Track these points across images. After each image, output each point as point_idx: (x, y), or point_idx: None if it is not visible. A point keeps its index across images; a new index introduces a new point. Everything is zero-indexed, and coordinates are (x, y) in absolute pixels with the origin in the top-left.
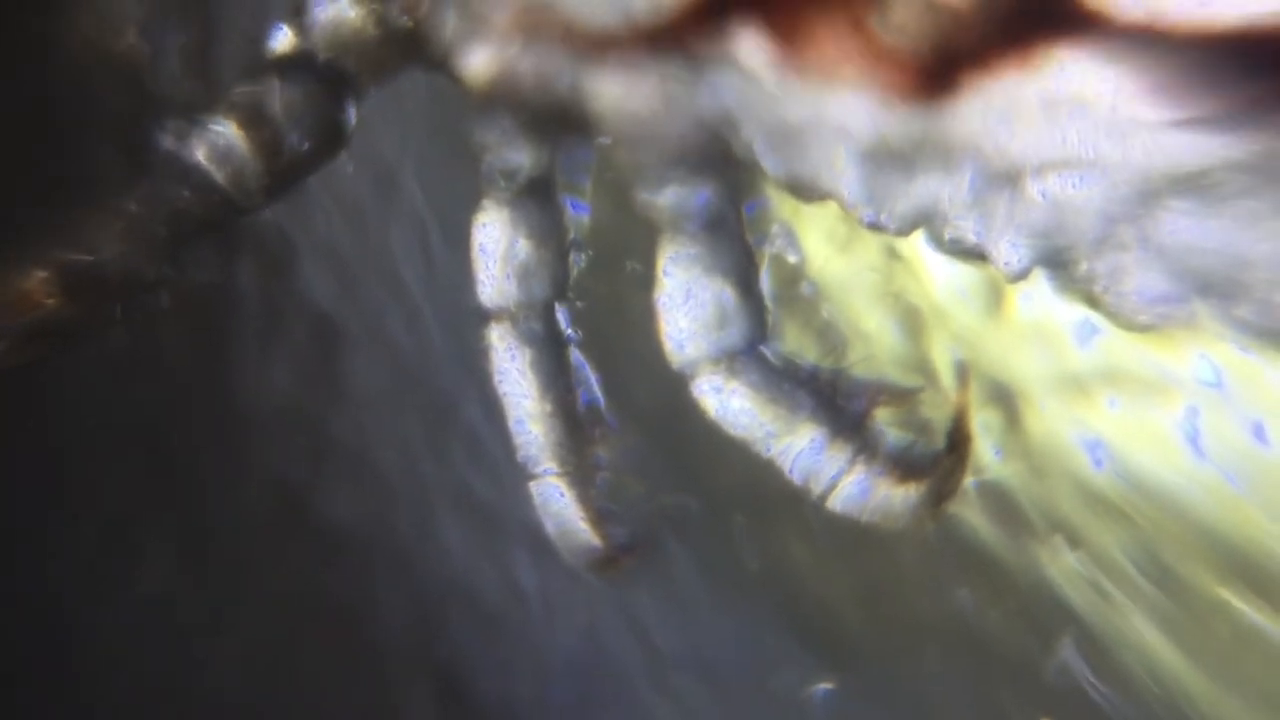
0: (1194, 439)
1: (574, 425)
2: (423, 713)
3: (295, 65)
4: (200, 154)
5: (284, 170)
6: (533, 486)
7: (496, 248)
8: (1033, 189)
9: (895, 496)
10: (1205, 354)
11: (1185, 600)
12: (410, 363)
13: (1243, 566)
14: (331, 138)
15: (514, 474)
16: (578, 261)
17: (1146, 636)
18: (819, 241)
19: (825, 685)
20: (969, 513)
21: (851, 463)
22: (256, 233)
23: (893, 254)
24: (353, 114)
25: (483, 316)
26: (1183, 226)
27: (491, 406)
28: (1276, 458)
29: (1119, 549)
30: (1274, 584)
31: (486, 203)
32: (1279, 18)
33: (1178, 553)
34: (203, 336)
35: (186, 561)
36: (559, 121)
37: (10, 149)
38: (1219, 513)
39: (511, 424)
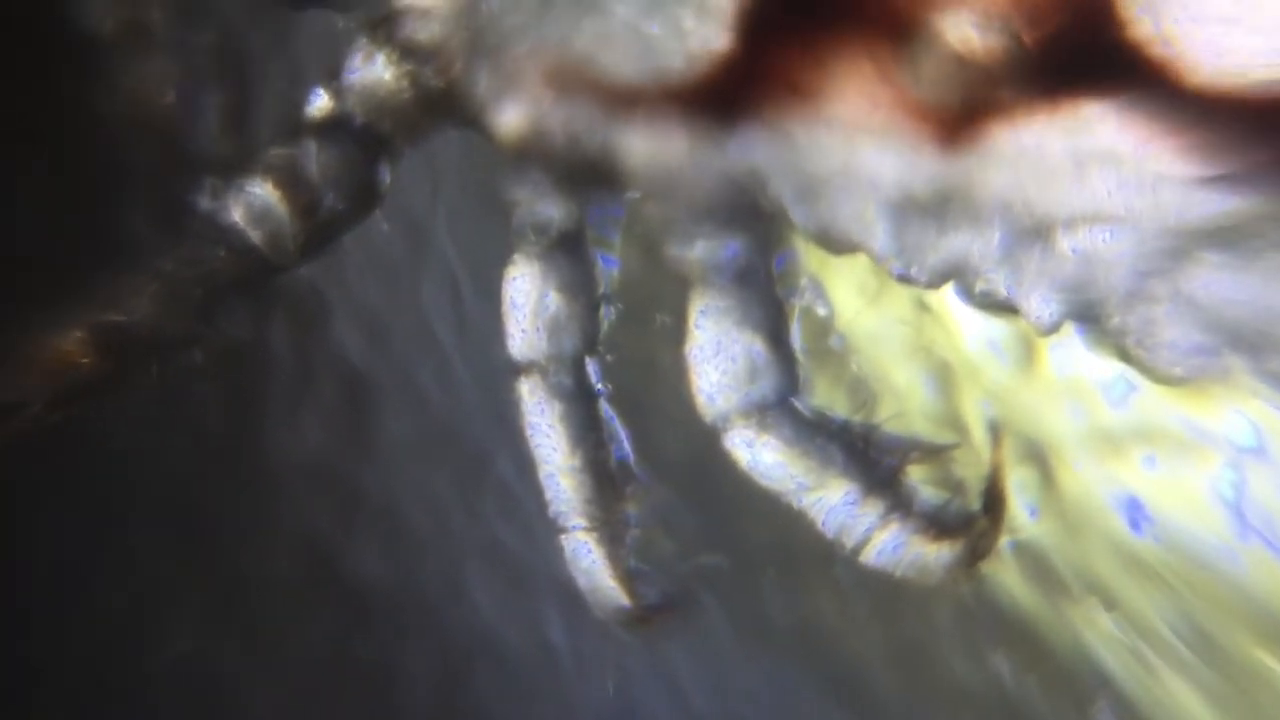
0: (1233, 501)
1: (604, 480)
2: None
3: (331, 127)
4: (237, 215)
5: (319, 230)
6: (563, 541)
7: (527, 301)
8: (1063, 243)
9: (929, 554)
10: (1242, 412)
11: (1224, 667)
12: (441, 417)
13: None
14: (367, 198)
15: (546, 528)
16: (608, 315)
17: (1184, 703)
18: (849, 294)
19: None
20: (1004, 573)
21: (884, 519)
22: (289, 290)
23: (923, 307)
24: (387, 174)
25: (513, 370)
26: (1214, 280)
27: (524, 460)
28: None
29: (1156, 613)
30: None
31: (517, 256)
32: None
33: (1216, 618)
34: (235, 394)
35: (216, 622)
36: (589, 176)
37: (47, 211)
38: (1258, 577)
39: (542, 478)
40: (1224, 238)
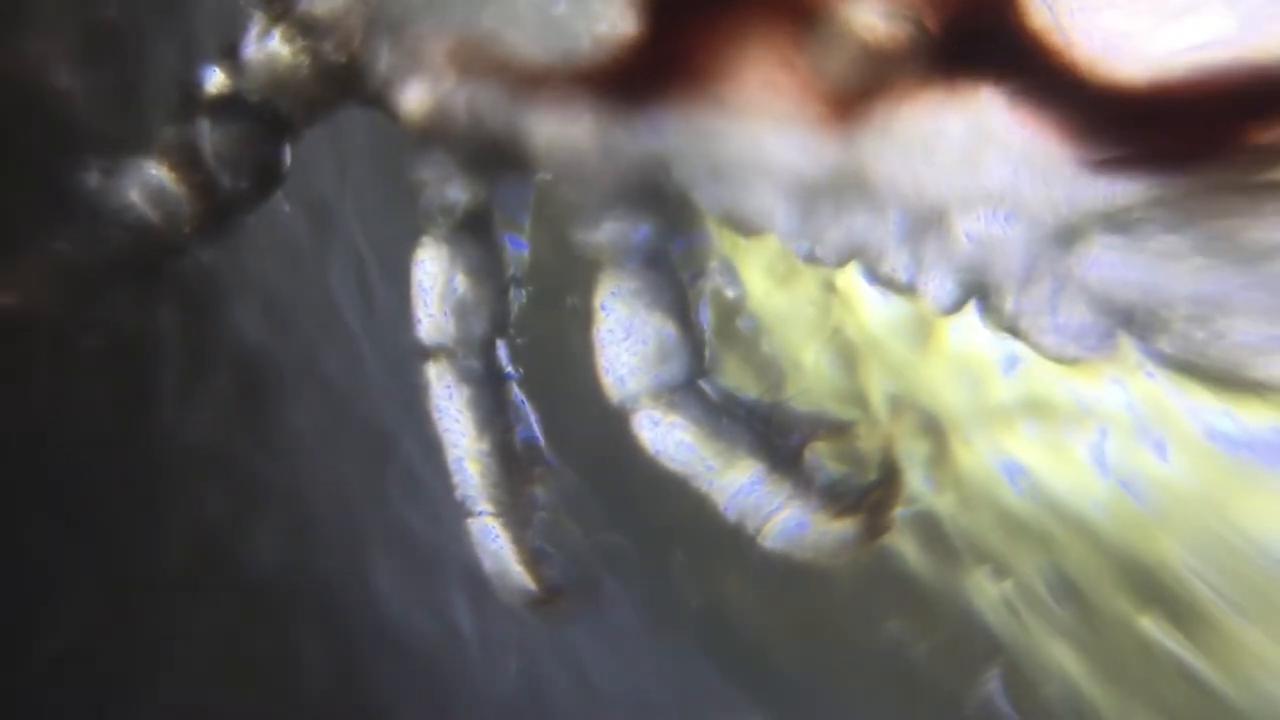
0: (1105, 462)
1: (512, 464)
2: None
3: (228, 105)
4: (132, 195)
5: (217, 211)
6: (470, 525)
7: (434, 284)
8: (959, 226)
9: (830, 531)
10: (1122, 383)
11: (1093, 620)
12: (347, 402)
13: (1144, 582)
14: (266, 178)
15: (453, 512)
16: (518, 298)
17: (1063, 661)
18: (759, 276)
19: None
20: (901, 543)
21: (788, 498)
22: (180, 274)
23: (830, 288)
24: (288, 154)
25: (422, 354)
26: (1105, 263)
27: (431, 444)
28: (1175, 474)
29: (1038, 575)
30: (1170, 596)
31: (425, 239)
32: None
33: (1087, 572)
34: (122, 381)
35: (103, 616)
36: (496, 157)
37: None
38: (1121, 528)
39: (450, 462)
40: (1114, 221)
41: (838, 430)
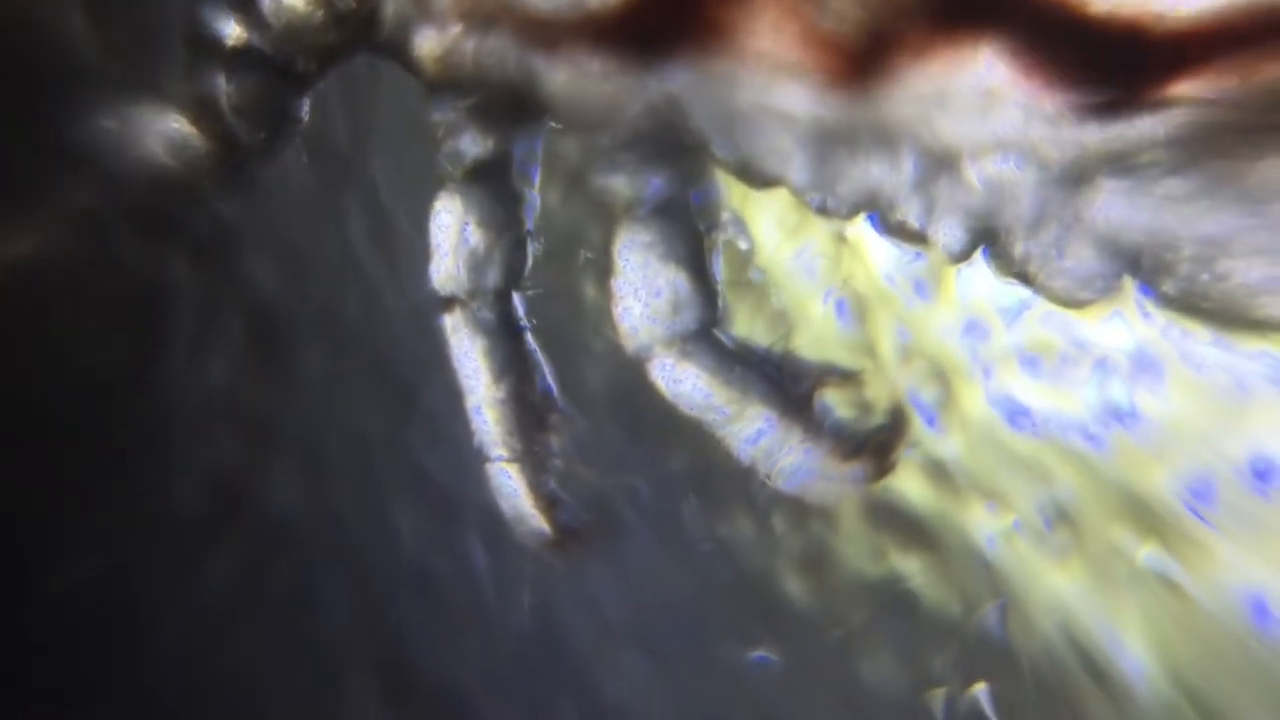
0: (1109, 400)
1: (527, 412)
2: (366, 703)
3: (243, 56)
4: (151, 145)
5: (235, 162)
6: (488, 470)
7: (449, 235)
8: (969, 173)
9: (838, 473)
10: (1126, 322)
11: (1088, 547)
12: (367, 351)
13: (1135, 507)
14: (282, 128)
15: (472, 457)
16: (531, 250)
17: (1060, 589)
18: (769, 229)
19: (764, 653)
20: (904, 482)
21: (798, 442)
22: (193, 225)
23: (840, 240)
24: (304, 104)
25: (438, 304)
26: (1112, 206)
27: (451, 392)
28: (1169, 407)
29: (1036, 509)
30: (1161, 521)
31: (442, 190)
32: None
33: (1086, 506)
34: (135, 328)
35: (120, 558)
36: (509, 106)
37: None
38: (1120, 461)
39: (468, 409)
40: (1121, 165)
41: (845, 377)
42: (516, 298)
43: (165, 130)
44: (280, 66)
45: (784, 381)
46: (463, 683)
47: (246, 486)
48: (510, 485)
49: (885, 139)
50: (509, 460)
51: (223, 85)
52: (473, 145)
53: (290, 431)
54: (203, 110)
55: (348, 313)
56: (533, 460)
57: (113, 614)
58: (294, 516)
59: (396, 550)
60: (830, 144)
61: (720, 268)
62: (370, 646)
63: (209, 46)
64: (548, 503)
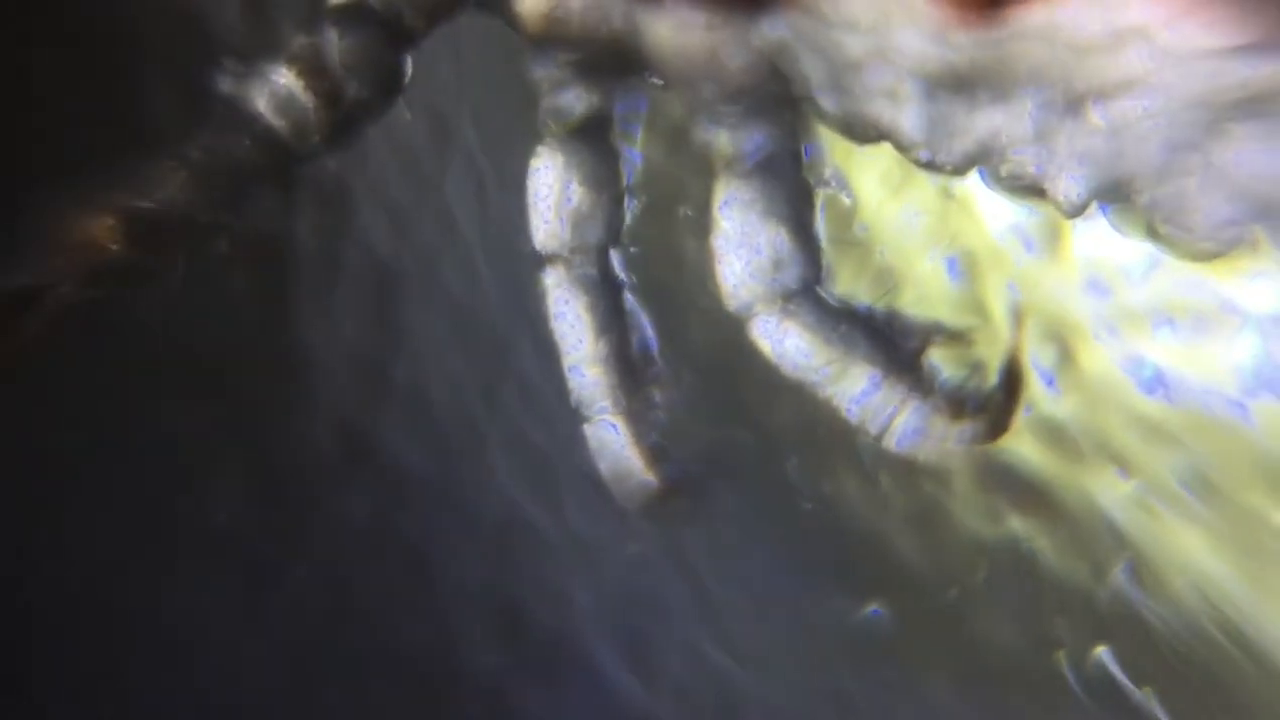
0: (1249, 364)
1: (628, 368)
2: (483, 647)
3: (351, 14)
4: (261, 103)
5: (343, 119)
6: (587, 429)
7: (550, 192)
8: (1095, 117)
9: (950, 433)
10: (1265, 278)
11: (1230, 514)
12: (464, 308)
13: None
14: (390, 85)
15: (566, 418)
16: (631, 207)
17: (1195, 554)
18: (873, 185)
19: (875, 608)
20: (1021, 443)
21: (905, 401)
22: (315, 180)
23: (947, 196)
24: (409, 61)
25: (537, 261)
26: (1245, 152)
27: (544, 351)
28: None
29: (1169, 472)
30: None
31: (541, 148)
32: None
33: (1224, 470)
34: (264, 283)
35: (253, 499)
36: (612, 61)
37: (72, 96)
38: (1266, 430)
39: (566, 367)
40: (1255, 108)
41: (955, 335)
42: (615, 255)
43: (275, 88)
44: (388, 22)
45: (890, 340)
46: (570, 635)
47: (370, 435)
48: (611, 442)
49: (1007, 83)
50: (611, 415)
51: (332, 42)
52: (576, 101)
53: (404, 385)
54: (312, 67)
55: (446, 271)
56: (635, 415)
57: (252, 551)
58: (413, 466)
59: (502, 502)
60: (948, 90)
61: (823, 225)
62: (481, 592)
63: (319, 2)
64: (651, 457)
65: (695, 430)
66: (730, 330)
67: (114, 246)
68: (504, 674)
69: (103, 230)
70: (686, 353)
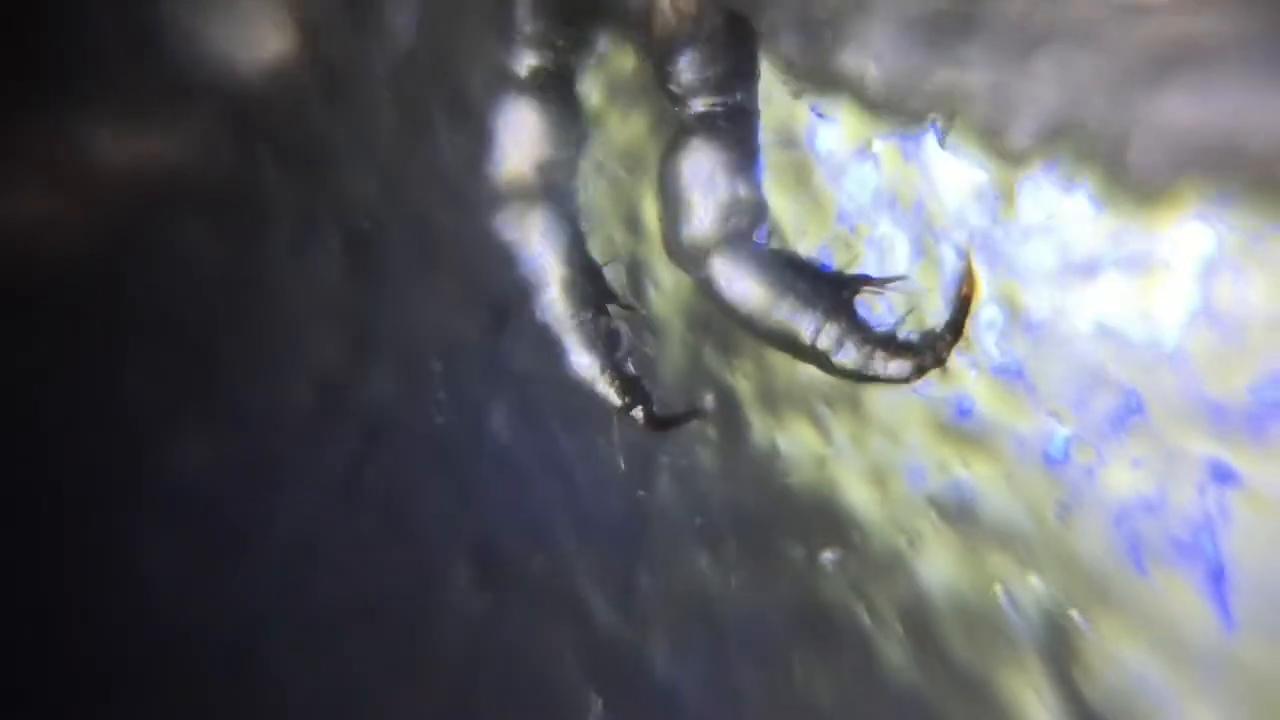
0: (1192, 307)
1: (591, 298)
2: (462, 586)
3: None
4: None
5: None
6: (568, 357)
7: (519, 136)
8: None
9: (888, 370)
10: (1203, 223)
11: (1164, 462)
12: (455, 255)
13: (1218, 416)
14: None
15: (552, 347)
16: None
17: (1121, 492)
18: (834, 142)
19: (830, 554)
20: (969, 393)
21: (845, 341)
22: (289, 135)
23: (906, 157)
24: None
25: (506, 202)
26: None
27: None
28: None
29: (1104, 416)
30: (1239, 431)
31: (511, 92)
32: None
33: (1163, 405)
34: (233, 234)
35: (222, 451)
36: (582, 8)
37: None
38: (1206, 367)
39: (542, 301)
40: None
41: (886, 283)
42: (575, 206)
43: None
44: None
45: (831, 283)
46: (552, 566)
47: (347, 386)
48: (583, 362)
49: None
50: (580, 343)
51: None
52: (545, 50)
53: (385, 335)
54: None
55: (436, 220)
56: (603, 341)
57: (223, 503)
58: (389, 415)
59: (486, 446)
60: (922, 27)
61: (783, 179)
62: (464, 535)
63: None
64: (621, 377)
65: (657, 389)
66: (689, 289)
67: None
68: (484, 617)
69: None
70: (649, 309)
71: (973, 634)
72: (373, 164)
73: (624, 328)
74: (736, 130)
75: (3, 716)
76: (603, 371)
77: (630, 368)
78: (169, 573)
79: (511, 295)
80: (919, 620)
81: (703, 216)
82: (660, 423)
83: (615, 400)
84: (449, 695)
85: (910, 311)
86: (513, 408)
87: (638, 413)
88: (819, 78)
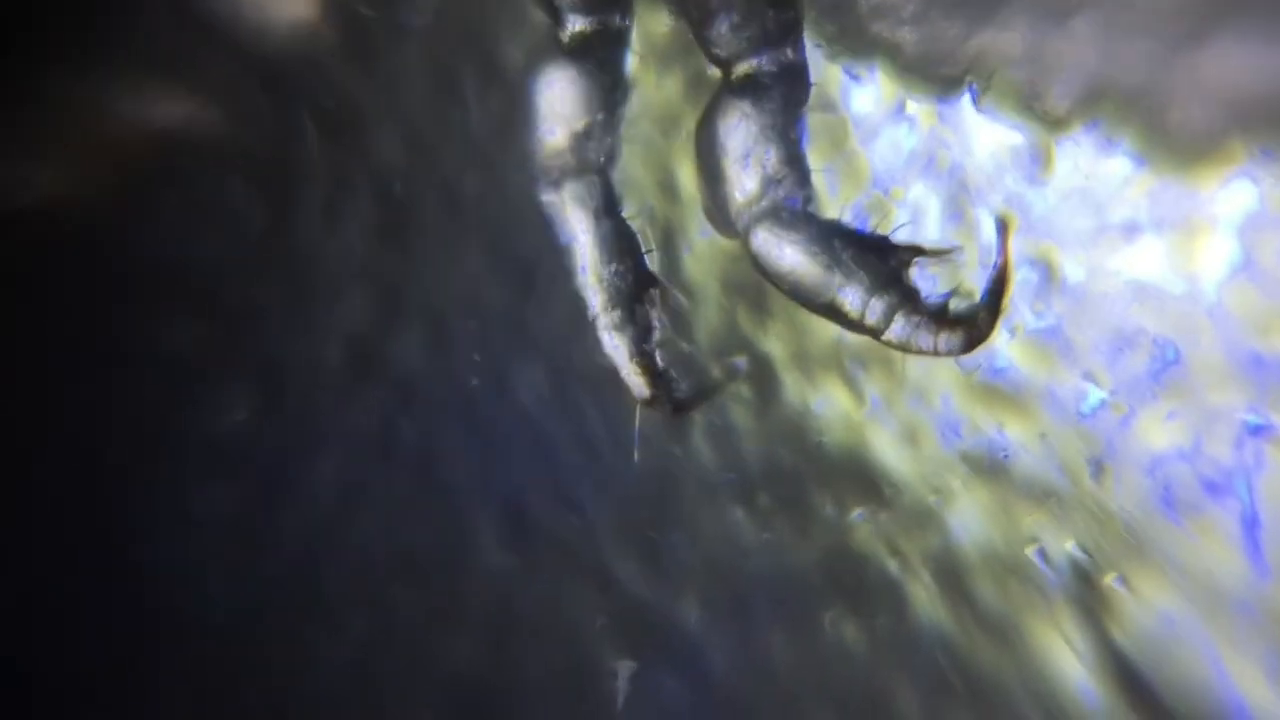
0: (1232, 260)
1: (628, 284)
2: (490, 545)
3: None
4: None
5: None
6: (599, 336)
7: (556, 108)
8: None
9: (933, 343)
10: (1248, 180)
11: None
12: (486, 224)
13: (1257, 369)
14: None
15: (584, 324)
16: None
17: (1159, 450)
18: (869, 106)
19: (862, 509)
20: (1004, 355)
21: (892, 312)
22: (322, 99)
23: (941, 120)
24: None
25: (546, 176)
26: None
27: (564, 263)
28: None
29: (1144, 374)
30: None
31: (548, 65)
32: None
33: (1202, 370)
34: (267, 198)
35: (261, 407)
36: None
37: None
38: (1244, 313)
39: (577, 280)
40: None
41: (936, 254)
42: (613, 175)
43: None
44: None
45: (878, 254)
46: (575, 527)
47: (378, 345)
48: (614, 348)
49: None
50: (612, 327)
51: None
52: (586, 20)
53: (416, 298)
54: None
55: (467, 189)
56: (635, 327)
57: (261, 458)
58: (421, 376)
59: (515, 409)
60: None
61: (821, 145)
62: (492, 496)
63: None
64: (648, 367)
65: (693, 354)
66: (728, 254)
67: None
68: (516, 573)
69: None
70: (686, 276)
71: (1004, 585)
72: (404, 128)
73: (657, 316)
74: (785, 90)
75: (65, 644)
76: (630, 359)
77: (658, 360)
78: (220, 515)
79: (542, 260)
80: (950, 571)
81: (746, 184)
82: (681, 406)
83: (640, 391)
84: (485, 649)
85: (956, 288)
86: (541, 369)
87: (660, 406)
88: (853, 40)
